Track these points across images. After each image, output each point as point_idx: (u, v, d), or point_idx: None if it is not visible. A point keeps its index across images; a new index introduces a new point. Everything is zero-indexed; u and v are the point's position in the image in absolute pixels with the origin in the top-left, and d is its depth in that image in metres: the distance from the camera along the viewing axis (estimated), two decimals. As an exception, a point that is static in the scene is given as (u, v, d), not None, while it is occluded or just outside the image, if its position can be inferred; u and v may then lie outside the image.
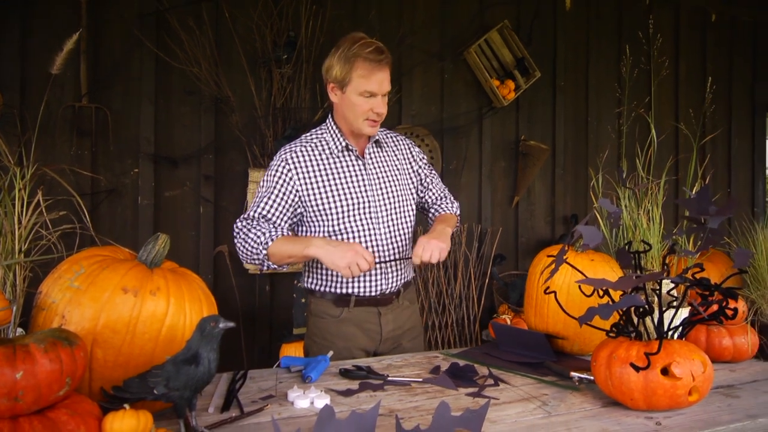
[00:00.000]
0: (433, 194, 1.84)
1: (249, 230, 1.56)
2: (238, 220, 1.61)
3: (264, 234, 1.54)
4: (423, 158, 1.84)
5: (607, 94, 3.72)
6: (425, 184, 1.82)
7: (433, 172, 1.87)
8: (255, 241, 1.54)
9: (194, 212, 2.77)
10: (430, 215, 1.86)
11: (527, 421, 1.09)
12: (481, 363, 1.46)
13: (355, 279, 1.62)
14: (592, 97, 3.69)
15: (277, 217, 1.58)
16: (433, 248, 1.53)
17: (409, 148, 1.80)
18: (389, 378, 1.33)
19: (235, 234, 1.59)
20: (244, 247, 1.56)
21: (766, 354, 1.53)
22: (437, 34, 3.25)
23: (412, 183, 1.78)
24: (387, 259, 1.64)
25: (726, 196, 4.17)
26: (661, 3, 3.93)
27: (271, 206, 1.58)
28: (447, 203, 1.85)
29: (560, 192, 3.61)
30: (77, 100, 2.53)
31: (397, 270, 1.68)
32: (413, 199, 1.77)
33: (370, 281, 1.63)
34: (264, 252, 1.53)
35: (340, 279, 1.63)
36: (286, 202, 1.58)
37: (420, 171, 1.81)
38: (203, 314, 1.11)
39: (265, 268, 1.57)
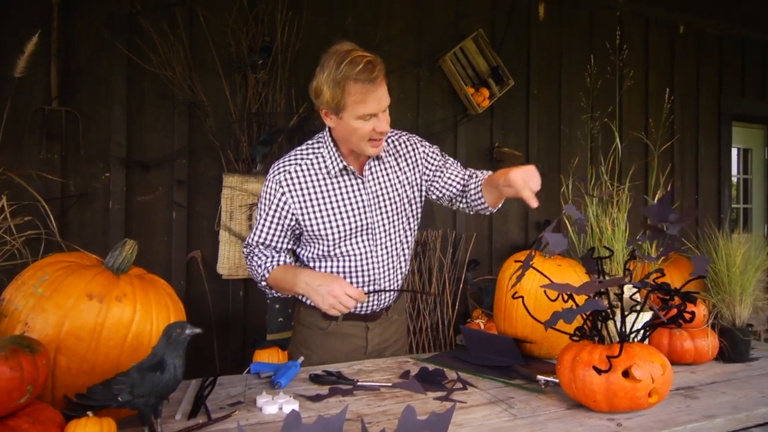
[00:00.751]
0: (458, 176, 1.64)
1: (253, 256, 1.60)
2: (244, 244, 1.63)
3: (264, 263, 1.57)
4: (432, 153, 1.67)
5: (578, 102, 3.80)
6: (443, 174, 1.64)
7: (448, 159, 1.69)
8: (256, 271, 1.58)
9: (167, 217, 2.74)
10: (472, 189, 1.61)
11: (493, 424, 1.11)
12: (450, 367, 1.48)
13: None
14: (564, 106, 3.77)
15: (276, 241, 1.57)
16: (531, 172, 1.40)
17: (415, 149, 1.64)
18: (359, 383, 1.34)
19: (244, 257, 1.64)
20: (252, 273, 1.61)
21: (725, 356, 1.58)
22: (413, 42, 3.29)
23: (418, 190, 1.65)
24: (379, 289, 1.60)
25: (694, 202, 4.28)
26: (632, 15, 4.03)
27: (268, 232, 1.57)
28: (480, 173, 1.65)
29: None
30: (47, 103, 2.49)
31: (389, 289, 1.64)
32: (414, 217, 1.67)
33: (361, 305, 1.61)
34: (264, 283, 1.58)
35: None
36: (283, 225, 1.55)
37: (429, 166, 1.64)
38: (170, 321, 1.10)
39: (271, 295, 1.63)
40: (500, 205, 1.65)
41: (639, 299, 1.44)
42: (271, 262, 1.56)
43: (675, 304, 1.21)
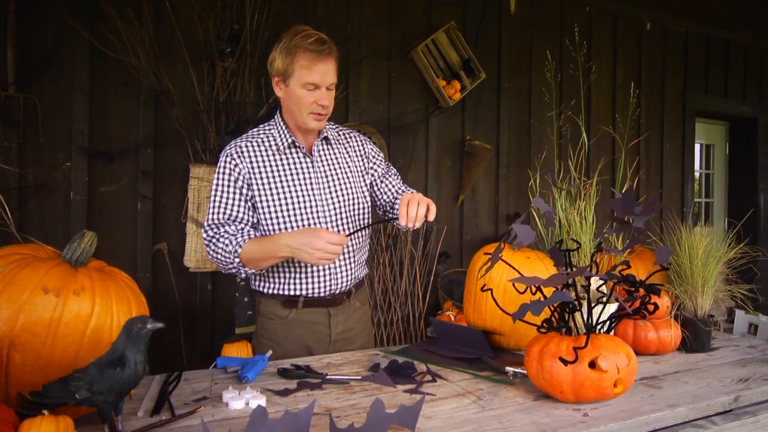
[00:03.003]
0: (394, 188, 1.74)
1: (217, 240, 1.52)
2: (203, 231, 1.55)
3: (231, 241, 1.50)
4: (379, 155, 1.77)
5: (548, 96, 3.84)
6: (383, 180, 1.74)
7: (391, 168, 1.80)
8: (225, 250, 1.51)
9: (131, 209, 2.67)
10: (396, 204, 1.72)
11: (461, 416, 1.11)
12: (420, 360, 1.48)
13: (303, 280, 1.59)
14: (534, 100, 3.80)
15: (238, 212, 1.55)
16: (421, 201, 1.46)
17: (363, 145, 1.74)
18: (328, 377, 1.33)
19: (205, 245, 1.56)
20: (216, 258, 1.53)
21: (687, 346, 1.62)
22: (385, 33, 3.26)
23: (365, 182, 1.72)
24: (360, 227, 1.63)
25: (659, 195, 4.39)
26: (601, 11, 4.09)
27: (227, 204, 1.54)
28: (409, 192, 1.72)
29: (503, 191, 3.70)
30: (4, 89, 2.39)
31: (347, 269, 1.64)
32: (366, 200, 1.71)
33: (320, 281, 1.59)
34: (237, 260, 1.50)
35: (287, 279, 1.59)
36: (242, 193, 1.55)
37: (376, 168, 1.74)
38: (132, 315, 1.07)
39: (243, 277, 1.56)
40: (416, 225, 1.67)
41: (605, 291, 1.46)
42: (240, 237, 1.51)
43: (639, 296, 1.23)
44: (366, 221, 1.71)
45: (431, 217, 1.47)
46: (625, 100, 4.17)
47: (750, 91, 4.94)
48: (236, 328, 2.70)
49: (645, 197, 4.19)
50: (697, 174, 4.92)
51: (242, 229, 1.54)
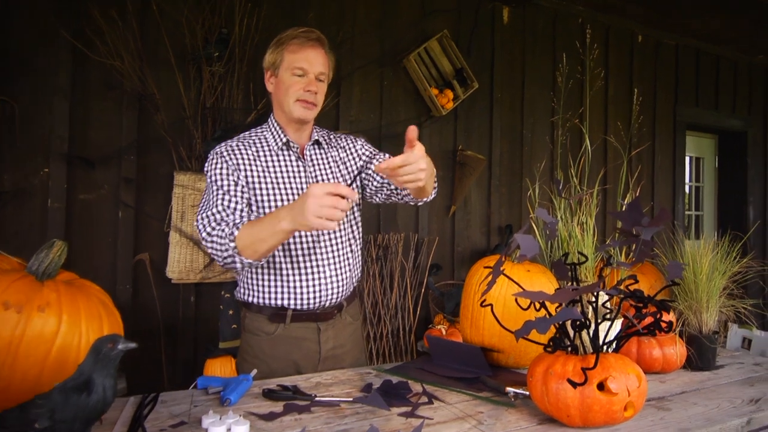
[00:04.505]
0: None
1: (213, 228, 1.37)
2: (201, 228, 1.39)
3: (229, 223, 1.36)
4: (367, 147, 1.67)
5: (541, 107, 3.80)
6: (377, 158, 1.63)
7: (383, 152, 1.69)
8: (220, 236, 1.34)
9: (112, 217, 2.56)
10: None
11: (462, 443, 1.03)
12: (415, 379, 1.39)
13: (292, 290, 1.49)
14: (527, 110, 3.76)
15: (237, 202, 1.42)
16: (421, 156, 1.23)
17: (353, 144, 1.67)
18: (317, 398, 1.24)
19: (204, 242, 1.38)
20: (212, 247, 1.36)
21: (693, 364, 1.56)
22: (377, 41, 3.21)
23: (359, 184, 1.65)
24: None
25: (650, 208, 4.36)
26: (593, 24, 4.07)
27: (224, 196, 1.41)
28: None
29: (495, 202, 3.64)
30: (-22, 91, 2.29)
31: (339, 279, 1.55)
32: (357, 210, 1.65)
33: (309, 292, 1.50)
34: (233, 245, 1.32)
35: (275, 290, 1.51)
36: (237, 184, 1.44)
37: (367, 153, 1.65)
38: (103, 333, 0.97)
39: (240, 268, 1.36)
40: (429, 198, 1.59)
41: (610, 307, 1.39)
42: (239, 221, 1.38)
43: (650, 312, 1.16)
44: (358, 233, 1.64)
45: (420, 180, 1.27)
46: (617, 111, 4.15)
47: (739, 104, 4.95)
48: (220, 342, 2.59)
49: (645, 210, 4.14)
50: (687, 187, 4.91)
51: (242, 216, 1.42)
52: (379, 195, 1.64)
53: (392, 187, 1.58)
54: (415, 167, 1.22)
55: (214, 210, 1.40)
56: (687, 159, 4.84)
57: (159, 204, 2.63)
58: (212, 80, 2.63)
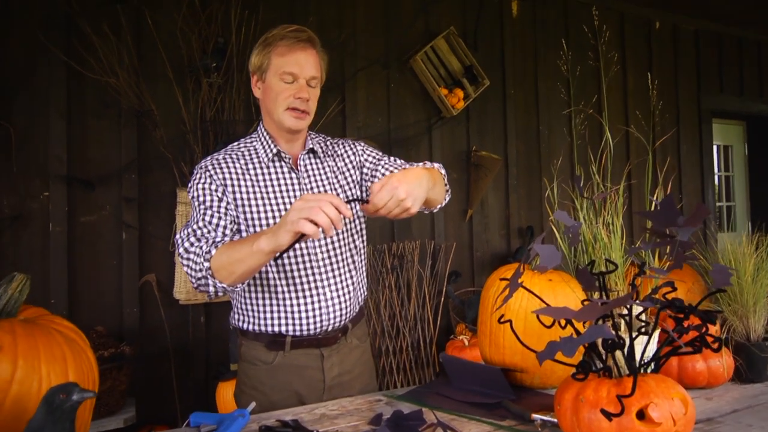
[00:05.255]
0: (397, 165, 1.47)
1: (191, 245, 1.25)
2: (179, 244, 1.28)
3: (207, 242, 1.24)
4: (369, 152, 1.53)
5: (556, 102, 3.64)
6: (381, 163, 1.49)
7: (388, 156, 1.54)
8: (197, 254, 1.23)
9: (115, 239, 2.48)
10: None
11: (482, 488, 0.89)
12: (429, 406, 1.26)
13: (290, 315, 1.36)
14: (542, 106, 3.61)
15: (219, 219, 1.30)
16: (396, 188, 1.12)
17: (352, 150, 1.52)
18: (320, 434, 1.11)
19: (180, 259, 1.27)
20: (188, 268, 1.24)
21: (742, 377, 1.39)
22: (381, 41, 3.09)
23: (358, 195, 1.51)
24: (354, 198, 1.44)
25: (679, 202, 4.15)
26: (606, 10, 3.90)
27: (206, 211, 1.30)
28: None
29: (514, 203, 3.48)
30: (-28, 115, 2.23)
31: (342, 301, 1.42)
32: (360, 218, 1.51)
33: (308, 317, 1.37)
34: (207, 265, 1.20)
35: (270, 314, 1.38)
36: (221, 200, 1.32)
37: (370, 159, 1.51)
38: (68, 377, 0.86)
39: (212, 293, 1.23)
40: (443, 203, 1.49)
41: (645, 319, 1.24)
42: (219, 239, 1.27)
43: (693, 325, 1.01)
44: (361, 247, 1.50)
45: (410, 209, 1.17)
46: (636, 102, 3.96)
47: (767, 88, 4.71)
48: (231, 364, 2.49)
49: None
50: (716, 177, 4.68)
51: (224, 234, 1.30)
52: None
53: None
54: (393, 203, 1.14)
55: (195, 226, 1.29)
56: (714, 148, 4.62)
57: (163, 223, 2.54)
58: (211, 92, 2.54)
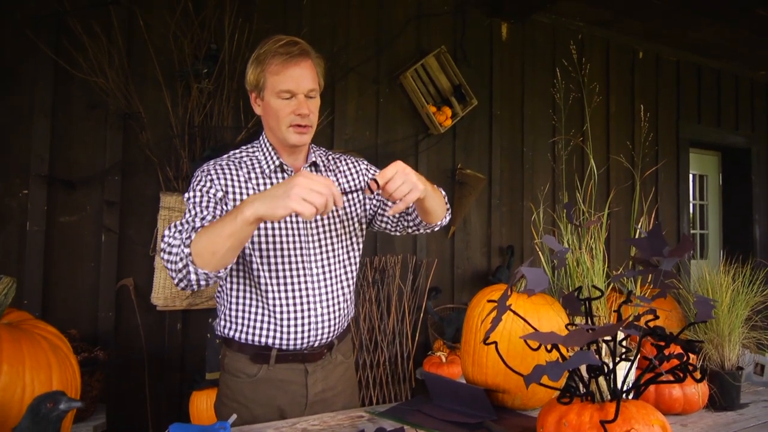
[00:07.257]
0: None
1: (173, 237, 1.18)
2: (163, 241, 1.20)
3: (187, 230, 1.18)
4: (373, 171, 1.56)
5: (541, 124, 3.71)
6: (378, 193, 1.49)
7: None
8: (177, 241, 1.16)
9: (94, 241, 2.44)
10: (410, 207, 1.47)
11: None
12: (411, 424, 1.26)
13: (279, 327, 1.35)
14: (527, 128, 3.66)
15: (208, 211, 1.26)
16: (404, 167, 1.20)
17: (355, 169, 1.53)
18: (302, 450, 1.10)
19: (162, 254, 1.19)
20: (169, 261, 1.16)
21: (716, 404, 1.42)
22: (372, 57, 3.12)
23: (358, 212, 1.51)
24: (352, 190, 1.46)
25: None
26: (592, 39, 4.00)
27: (195, 207, 1.27)
28: None
29: (496, 222, 3.52)
30: (-46, 109, 2.18)
31: (330, 317, 1.41)
32: (359, 233, 1.51)
33: (296, 330, 1.36)
34: (187, 251, 1.12)
35: (259, 326, 1.37)
36: (216, 203, 1.30)
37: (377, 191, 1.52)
38: (52, 384, 0.85)
39: (194, 282, 1.16)
40: (443, 221, 1.54)
41: (627, 345, 1.26)
42: (198, 226, 1.20)
43: (674, 354, 1.04)
44: (355, 267, 1.50)
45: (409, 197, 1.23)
46: (620, 129, 4.06)
47: (742, 121, 4.87)
48: (207, 373, 2.45)
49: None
50: (690, 205, 4.80)
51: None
52: (399, 226, 1.55)
53: (409, 217, 1.51)
54: (399, 179, 1.20)
55: (183, 221, 1.23)
56: (690, 177, 4.74)
57: (144, 227, 2.51)
58: (201, 98, 2.53)
